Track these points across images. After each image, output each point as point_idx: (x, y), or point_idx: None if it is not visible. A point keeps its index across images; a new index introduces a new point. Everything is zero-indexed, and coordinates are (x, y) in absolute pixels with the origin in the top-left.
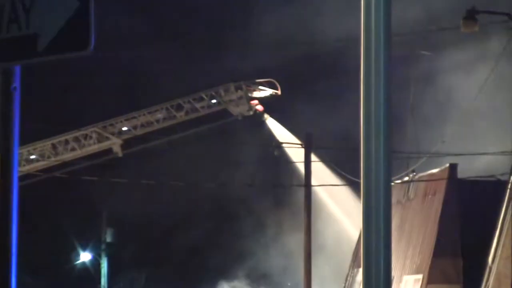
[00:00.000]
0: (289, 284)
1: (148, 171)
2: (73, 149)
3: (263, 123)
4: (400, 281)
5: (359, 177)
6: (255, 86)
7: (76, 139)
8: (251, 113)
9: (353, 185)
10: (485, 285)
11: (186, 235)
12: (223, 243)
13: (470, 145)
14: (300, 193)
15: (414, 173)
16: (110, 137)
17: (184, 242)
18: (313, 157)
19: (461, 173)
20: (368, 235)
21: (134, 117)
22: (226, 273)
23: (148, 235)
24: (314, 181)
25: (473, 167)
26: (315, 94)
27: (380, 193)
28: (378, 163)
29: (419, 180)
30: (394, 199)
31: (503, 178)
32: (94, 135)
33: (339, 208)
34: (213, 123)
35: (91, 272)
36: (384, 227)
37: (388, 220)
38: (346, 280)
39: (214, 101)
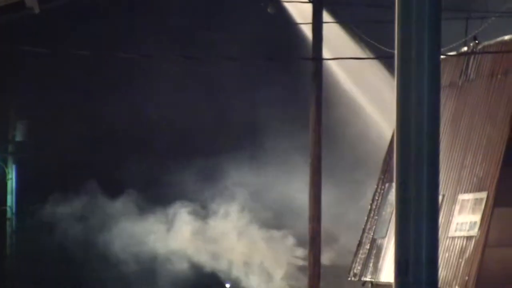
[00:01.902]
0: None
1: (79, 36)
2: None
3: None
4: (454, 201)
5: (392, 47)
6: None
7: None
8: None
9: (384, 60)
10: None
11: (142, 131)
12: (192, 148)
13: None
14: (307, 69)
15: (477, 42)
16: None
17: (139, 142)
18: (326, 17)
19: None
20: (404, 133)
21: None
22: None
23: (81, 132)
24: (326, 53)
25: None
26: None
27: (423, 70)
28: (421, 25)
29: (483, 52)
30: (445, 80)
31: None
32: None
33: (363, 93)
34: None
35: None
36: (428, 121)
37: (435, 110)
38: (373, 199)
39: None
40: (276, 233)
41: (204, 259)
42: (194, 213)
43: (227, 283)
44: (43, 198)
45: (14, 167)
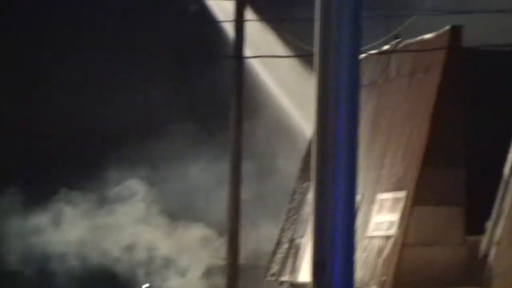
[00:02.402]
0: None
1: None
2: None
3: None
4: (372, 201)
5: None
6: None
7: None
8: None
9: (309, 59)
10: (499, 206)
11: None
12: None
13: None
14: (228, 68)
15: (398, 40)
16: None
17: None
18: (249, 15)
19: (468, 41)
20: (323, 132)
21: None
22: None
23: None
24: (249, 52)
25: (485, 31)
26: None
27: (342, 68)
28: (341, 23)
29: (405, 51)
30: (365, 79)
31: None
32: None
33: (286, 93)
34: None
35: None
36: (347, 119)
37: (354, 109)
38: (292, 198)
39: None
40: (182, 228)
41: (109, 255)
42: (91, 205)
43: (150, 283)
44: None
45: None
